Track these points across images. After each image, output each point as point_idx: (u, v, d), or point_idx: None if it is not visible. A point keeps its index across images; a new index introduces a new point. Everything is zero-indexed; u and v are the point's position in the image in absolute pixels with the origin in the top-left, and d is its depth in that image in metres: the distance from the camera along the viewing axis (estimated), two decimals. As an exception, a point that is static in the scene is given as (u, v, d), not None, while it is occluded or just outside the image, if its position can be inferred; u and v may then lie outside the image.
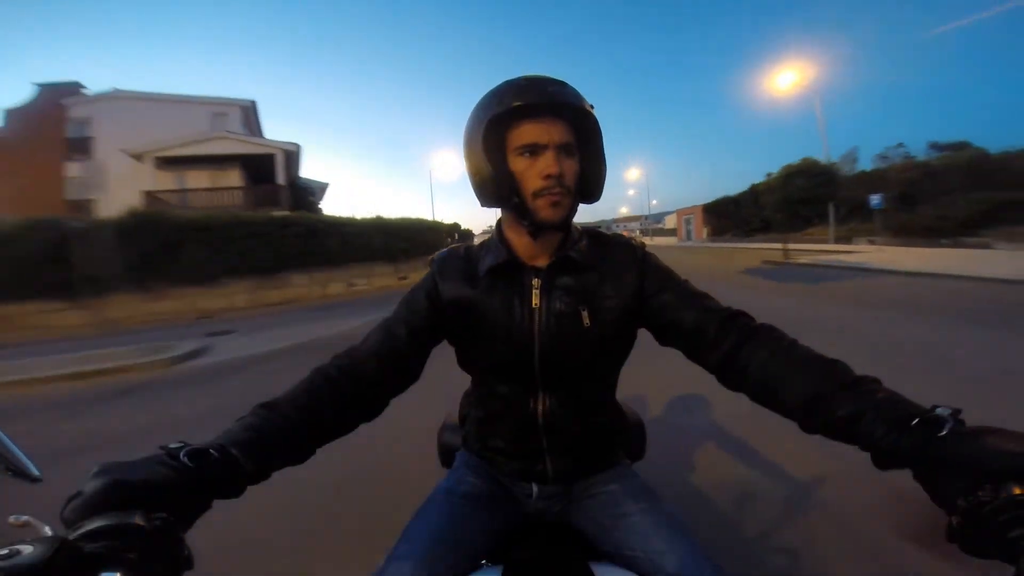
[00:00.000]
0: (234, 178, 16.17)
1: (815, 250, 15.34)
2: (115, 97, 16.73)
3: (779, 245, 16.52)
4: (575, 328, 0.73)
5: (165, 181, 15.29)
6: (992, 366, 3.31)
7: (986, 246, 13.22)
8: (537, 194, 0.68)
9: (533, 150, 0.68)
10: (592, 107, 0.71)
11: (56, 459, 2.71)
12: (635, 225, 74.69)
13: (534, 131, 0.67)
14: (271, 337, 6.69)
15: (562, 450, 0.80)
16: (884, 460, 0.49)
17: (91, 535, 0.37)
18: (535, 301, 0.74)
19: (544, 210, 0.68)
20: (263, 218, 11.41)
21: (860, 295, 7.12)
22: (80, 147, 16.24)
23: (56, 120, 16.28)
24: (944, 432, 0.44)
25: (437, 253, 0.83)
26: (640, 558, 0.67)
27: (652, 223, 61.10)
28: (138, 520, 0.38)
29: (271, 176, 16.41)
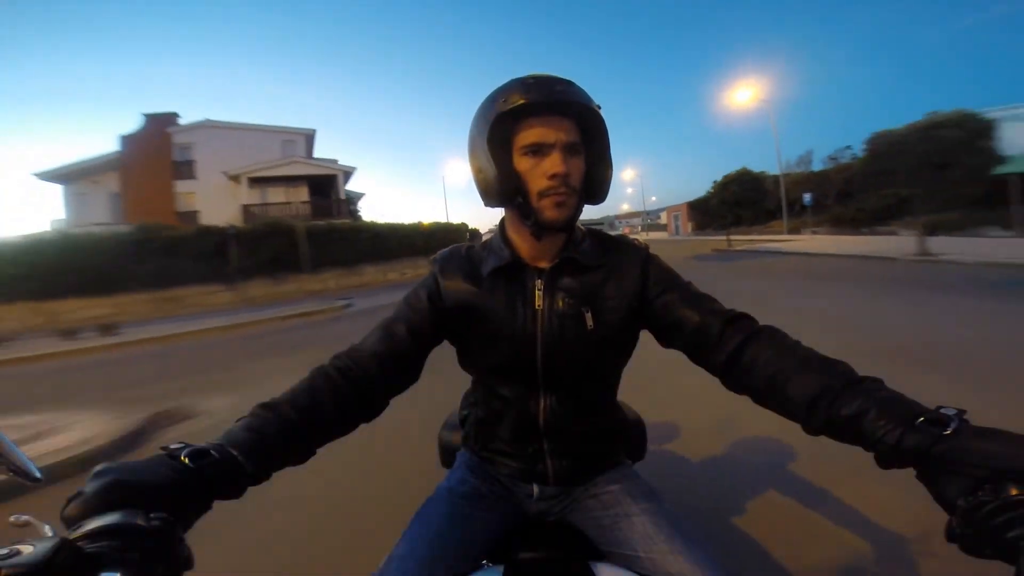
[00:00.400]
0: (303, 194, 20.39)
1: (756, 239, 19.17)
2: (207, 126, 20.91)
3: (745, 236, 20.34)
4: (578, 329, 0.72)
5: (252, 196, 19.56)
6: (786, 297, 6.61)
7: (893, 233, 16.97)
8: (542, 194, 0.67)
9: (539, 149, 0.67)
10: (599, 107, 0.70)
11: (338, 342, 6.73)
12: (636, 221, 77.91)
13: (540, 130, 0.67)
14: (379, 299, 10.85)
15: (563, 451, 0.79)
16: (887, 459, 0.49)
17: (91, 535, 0.37)
18: (538, 302, 0.74)
19: (549, 210, 0.68)
20: (347, 226, 15.66)
21: (756, 269, 10.96)
22: (185, 168, 20.46)
23: (163, 145, 20.41)
24: (948, 431, 0.44)
25: (439, 252, 0.83)
26: (642, 558, 0.66)
27: (653, 219, 64.73)
28: (138, 520, 0.38)
29: (328, 191, 20.62)
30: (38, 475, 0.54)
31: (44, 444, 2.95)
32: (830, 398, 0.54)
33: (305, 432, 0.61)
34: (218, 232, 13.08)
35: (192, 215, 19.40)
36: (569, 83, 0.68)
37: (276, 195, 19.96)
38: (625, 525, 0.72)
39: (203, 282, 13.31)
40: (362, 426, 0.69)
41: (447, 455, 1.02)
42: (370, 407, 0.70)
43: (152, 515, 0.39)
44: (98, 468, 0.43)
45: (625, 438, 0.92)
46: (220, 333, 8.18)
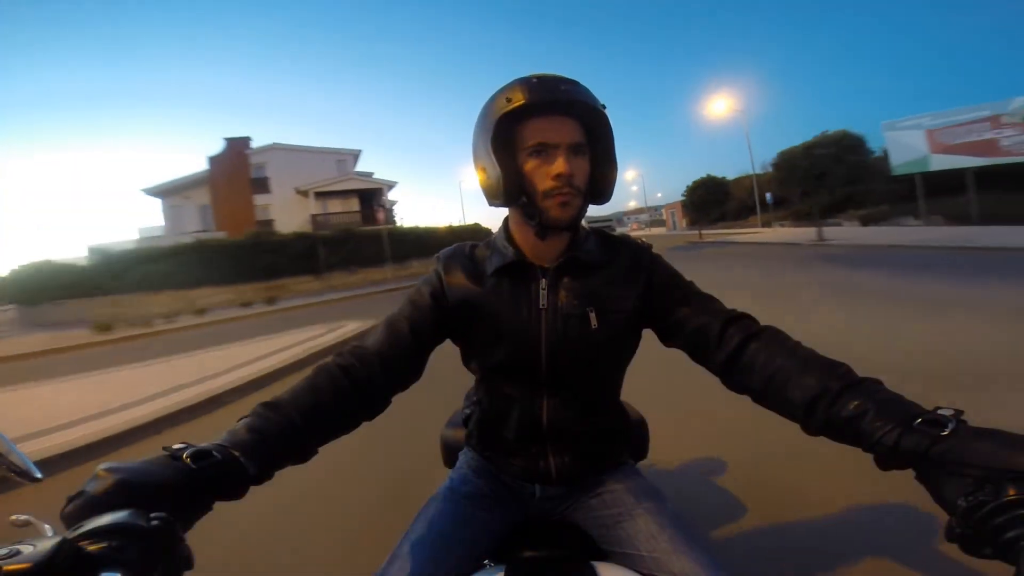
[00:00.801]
0: (355, 204, 24.91)
1: (724, 233, 23.04)
2: (276, 148, 25.46)
3: (721, 230, 24.16)
4: (582, 329, 0.73)
5: (317, 207, 24.17)
6: (697, 267, 10.86)
7: (839, 224, 20.68)
8: (547, 194, 0.68)
9: (543, 149, 0.67)
10: (604, 106, 0.70)
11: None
12: (645, 217, 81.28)
13: (545, 130, 0.67)
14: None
15: (566, 450, 0.79)
16: (887, 460, 0.50)
17: (91, 535, 0.36)
18: (542, 302, 0.74)
19: (553, 210, 0.68)
20: (400, 230, 20.12)
21: (704, 254, 15.00)
22: (260, 183, 25.05)
23: (242, 164, 24.97)
24: (946, 432, 0.45)
25: (442, 251, 0.83)
26: (644, 558, 0.66)
27: (657, 214, 68.34)
28: (139, 520, 0.38)
29: (372, 201, 25.11)
30: (38, 475, 0.53)
31: (342, 331, 7.14)
32: (829, 399, 0.55)
33: (307, 431, 0.61)
34: (308, 237, 17.63)
35: (269, 223, 24.05)
36: (574, 82, 0.68)
37: (335, 206, 24.57)
38: (628, 524, 0.72)
39: (296, 274, 17.88)
40: (364, 424, 0.69)
41: (450, 454, 1.02)
42: (372, 405, 0.70)
43: (152, 515, 0.39)
44: (99, 468, 0.43)
45: (628, 438, 0.91)
46: (345, 301, 12.64)
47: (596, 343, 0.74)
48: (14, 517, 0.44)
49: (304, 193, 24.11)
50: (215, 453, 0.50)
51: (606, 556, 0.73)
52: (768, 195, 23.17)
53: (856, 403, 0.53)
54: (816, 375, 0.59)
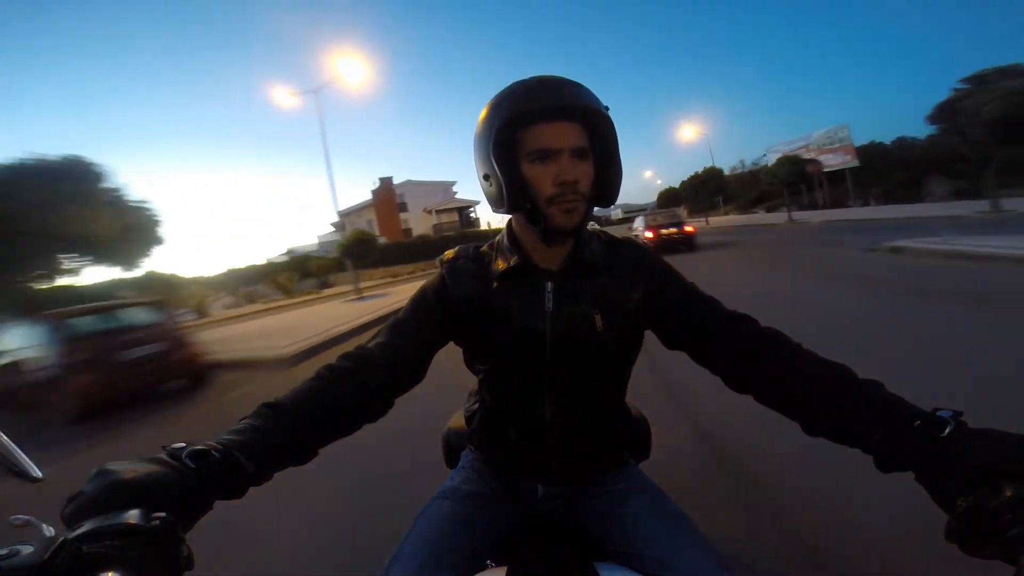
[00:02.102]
0: (455, 216, 40.47)
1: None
2: (409, 183, 41.27)
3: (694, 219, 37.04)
4: (588, 331, 0.73)
5: (435, 220, 40.05)
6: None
7: (756, 212, 32.93)
8: (551, 200, 0.68)
9: (546, 155, 0.67)
10: (607, 108, 0.69)
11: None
12: (677, 209, 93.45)
13: (547, 135, 0.67)
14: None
15: (568, 450, 0.80)
16: (887, 463, 0.50)
17: (91, 535, 0.37)
18: (548, 305, 0.74)
19: (558, 217, 0.68)
20: (487, 230, 35.41)
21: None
22: (402, 206, 40.97)
23: (391, 194, 40.76)
24: (945, 434, 0.46)
25: (446, 253, 0.84)
26: (647, 557, 0.66)
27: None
28: (138, 520, 0.38)
29: (462, 213, 40.58)
30: (38, 475, 0.54)
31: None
32: (829, 400, 0.57)
33: (308, 432, 0.61)
34: (445, 238, 33.35)
35: (409, 231, 40.21)
36: (576, 85, 0.68)
37: (444, 218, 40.47)
38: (630, 524, 0.72)
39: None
40: (366, 426, 0.69)
41: (452, 454, 1.03)
42: (374, 407, 0.70)
43: (152, 515, 0.39)
44: (98, 468, 0.43)
45: (631, 438, 0.92)
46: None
47: (602, 345, 0.75)
48: (14, 517, 0.44)
49: (430, 212, 40.27)
50: (214, 453, 0.51)
51: (608, 556, 0.72)
52: (717, 198, 35.79)
53: (856, 405, 0.54)
54: (817, 376, 0.60)
